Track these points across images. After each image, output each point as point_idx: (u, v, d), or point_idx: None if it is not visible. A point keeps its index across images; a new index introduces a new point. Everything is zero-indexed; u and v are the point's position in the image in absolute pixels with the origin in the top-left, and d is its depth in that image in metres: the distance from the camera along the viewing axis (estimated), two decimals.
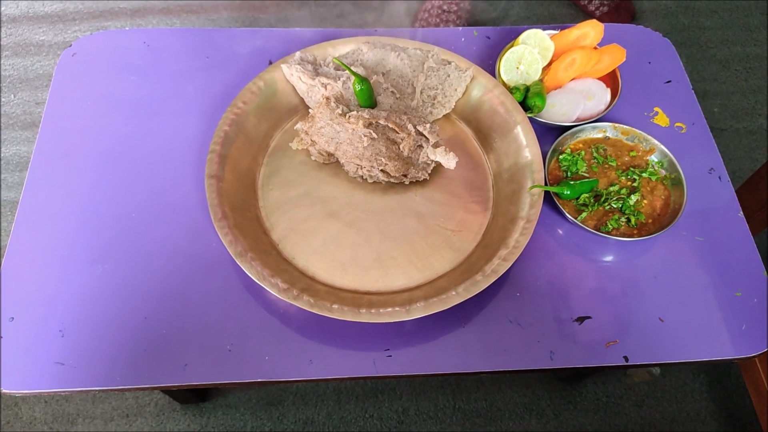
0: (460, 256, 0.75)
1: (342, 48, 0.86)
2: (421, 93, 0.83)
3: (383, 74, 0.84)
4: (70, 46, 0.92)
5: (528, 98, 0.84)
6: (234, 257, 0.68)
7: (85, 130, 0.84)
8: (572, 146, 0.82)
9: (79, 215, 0.77)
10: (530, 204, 0.74)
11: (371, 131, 0.77)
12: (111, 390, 0.67)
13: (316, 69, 0.83)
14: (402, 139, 0.78)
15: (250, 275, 0.67)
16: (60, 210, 0.77)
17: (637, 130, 0.82)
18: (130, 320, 0.70)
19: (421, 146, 0.79)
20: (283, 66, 0.82)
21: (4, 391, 0.66)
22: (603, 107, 0.85)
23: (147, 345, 0.69)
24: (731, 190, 0.83)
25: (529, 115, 0.83)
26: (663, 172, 0.81)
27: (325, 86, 0.81)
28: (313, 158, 0.81)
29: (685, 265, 0.77)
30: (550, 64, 0.89)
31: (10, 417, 1.25)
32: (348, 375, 0.68)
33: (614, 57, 0.87)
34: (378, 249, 0.75)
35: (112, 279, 0.73)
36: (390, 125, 0.77)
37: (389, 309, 0.67)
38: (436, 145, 0.78)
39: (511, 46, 0.88)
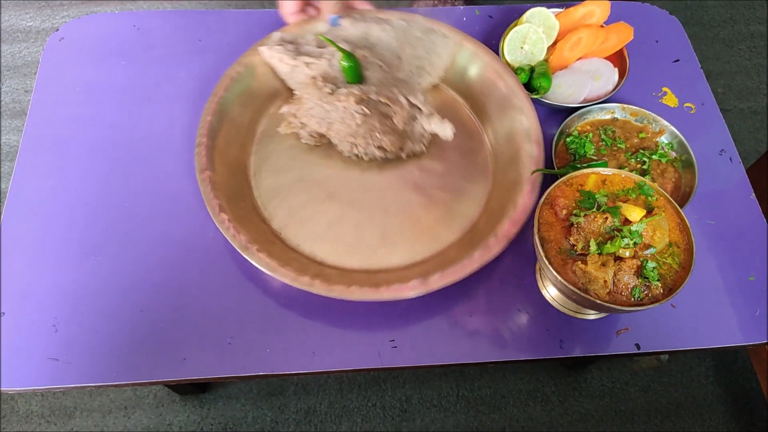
0: (465, 225, 0.74)
1: (322, 25, 0.83)
2: (409, 64, 0.80)
3: (368, 48, 0.81)
4: (57, 30, 0.89)
5: (533, 79, 0.82)
6: (240, 251, 0.65)
7: (74, 117, 0.81)
8: (580, 128, 0.80)
9: (70, 206, 0.74)
10: (532, 165, 0.73)
11: (363, 107, 0.74)
12: (108, 386, 0.65)
13: (297, 48, 0.80)
14: (395, 113, 0.75)
15: (260, 267, 0.65)
16: (50, 201, 0.74)
17: (646, 111, 0.79)
18: (125, 314, 0.68)
19: (415, 118, 0.77)
20: (262, 48, 0.78)
21: None
22: (611, 87, 0.82)
23: (144, 339, 0.67)
24: (743, 171, 0.81)
25: (535, 96, 0.80)
26: (673, 154, 0.78)
27: (308, 65, 0.77)
28: (303, 141, 0.78)
29: (697, 249, 0.74)
30: (555, 43, 0.86)
31: (6, 411, 1.23)
32: (352, 367, 0.66)
33: (621, 35, 0.84)
34: (382, 226, 0.73)
35: (106, 271, 0.70)
36: (382, 100, 0.75)
37: (407, 283, 0.65)
38: (430, 116, 0.76)
39: (515, 25, 0.85)
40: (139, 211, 0.74)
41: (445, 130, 0.75)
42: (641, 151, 0.78)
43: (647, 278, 0.59)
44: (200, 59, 0.86)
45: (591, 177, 0.65)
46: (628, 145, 0.79)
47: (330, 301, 0.69)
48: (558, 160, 0.77)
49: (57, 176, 0.76)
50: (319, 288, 0.64)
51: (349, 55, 0.76)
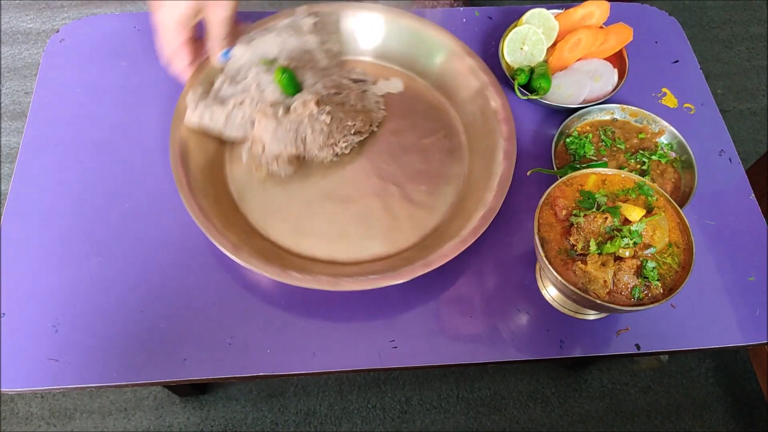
0: (464, 153, 0.79)
1: (219, 63, 0.78)
2: (319, 52, 0.79)
3: (281, 57, 0.78)
4: (58, 32, 0.89)
5: (533, 80, 0.82)
6: (331, 288, 0.65)
7: (74, 119, 0.81)
8: (579, 129, 0.80)
9: (70, 207, 0.74)
10: (481, 73, 0.78)
11: (324, 106, 0.74)
12: (108, 386, 0.65)
13: (217, 96, 0.75)
14: (348, 96, 0.76)
15: (350, 289, 0.64)
16: (50, 202, 0.74)
17: (645, 112, 0.80)
18: (125, 314, 0.68)
19: (365, 90, 0.78)
20: (188, 116, 0.72)
21: None
22: (610, 88, 0.83)
23: (144, 339, 0.67)
24: (742, 172, 0.81)
25: (534, 96, 0.80)
26: (673, 155, 0.78)
27: (242, 104, 0.73)
28: (283, 175, 0.75)
29: (697, 249, 0.74)
30: (555, 44, 0.86)
31: (6, 413, 1.23)
32: (352, 368, 0.66)
33: (621, 36, 0.85)
34: (405, 195, 0.75)
35: (106, 272, 0.70)
36: (331, 91, 0.75)
37: (472, 225, 0.68)
38: (376, 81, 0.81)
39: (515, 26, 0.86)
40: (140, 212, 0.74)
41: (395, 84, 0.81)
42: (641, 151, 0.78)
43: (647, 278, 0.59)
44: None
45: (591, 177, 0.66)
46: (628, 146, 0.79)
47: (330, 301, 0.70)
48: (558, 161, 0.77)
49: (57, 177, 0.76)
50: (410, 272, 0.65)
51: (283, 69, 0.73)
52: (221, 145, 0.77)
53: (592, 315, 0.70)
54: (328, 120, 0.73)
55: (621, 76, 0.84)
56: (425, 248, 0.70)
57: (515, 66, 0.84)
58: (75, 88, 0.83)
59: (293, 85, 0.75)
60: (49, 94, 0.83)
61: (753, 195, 0.79)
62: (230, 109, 0.73)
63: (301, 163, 0.76)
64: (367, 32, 0.84)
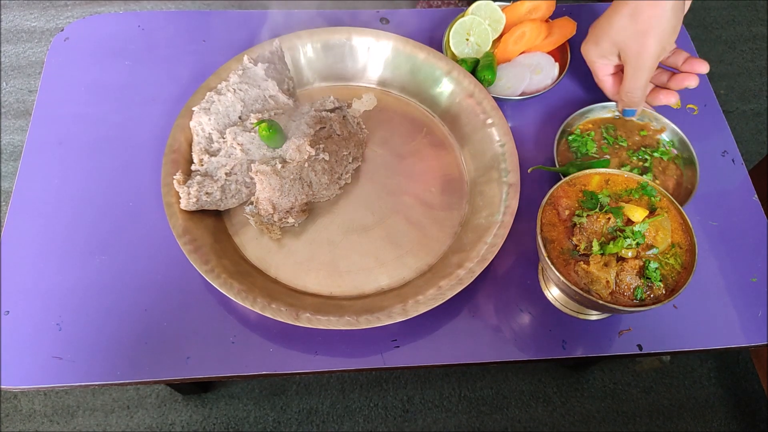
0: (451, 141, 0.82)
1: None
2: (282, 94, 0.77)
3: (252, 114, 0.76)
4: (62, 30, 0.89)
5: (477, 71, 0.82)
6: (383, 323, 0.64)
7: (78, 117, 0.81)
8: (581, 127, 0.80)
9: (74, 205, 0.75)
10: (453, 71, 0.80)
11: (319, 145, 0.73)
12: (111, 384, 0.65)
13: (206, 173, 0.72)
14: (332, 127, 0.76)
15: (372, 326, 0.64)
16: (55, 200, 0.75)
17: (646, 109, 0.80)
18: (129, 313, 0.68)
19: (344, 116, 0.78)
20: (185, 205, 0.69)
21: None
22: (550, 81, 0.84)
23: (147, 338, 0.67)
24: (745, 173, 0.81)
25: None
26: (674, 152, 0.78)
27: (232, 169, 0.71)
28: (297, 226, 0.74)
29: (699, 249, 0.75)
30: (501, 36, 0.86)
31: (9, 410, 1.23)
32: (355, 367, 0.66)
33: (564, 30, 0.86)
34: (421, 201, 0.76)
35: (110, 270, 0.70)
36: (316, 128, 0.74)
37: (490, 237, 0.70)
38: (350, 105, 0.82)
39: (461, 17, 0.86)
40: (144, 211, 0.74)
41: (368, 101, 0.83)
42: (642, 148, 0.78)
43: (649, 279, 0.59)
44: (204, 59, 0.87)
45: (594, 177, 0.66)
46: (630, 143, 0.79)
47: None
48: (560, 159, 0.77)
49: (61, 175, 0.77)
50: (432, 299, 0.66)
51: (268, 122, 0.71)
52: (218, 216, 0.74)
53: (594, 315, 0.70)
54: (327, 157, 0.73)
55: (562, 70, 0.85)
56: (462, 248, 0.70)
57: (461, 57, 0.85)
58: (79, 87, 0.84)
59: (280, 136, 0.72)
60: (54, 93, 0.83)
61: (756, 196, 0.79)
62: (223, 181, 0.71)
63: (309, 208, 0.75)
64: (319, 58, 0.84)
